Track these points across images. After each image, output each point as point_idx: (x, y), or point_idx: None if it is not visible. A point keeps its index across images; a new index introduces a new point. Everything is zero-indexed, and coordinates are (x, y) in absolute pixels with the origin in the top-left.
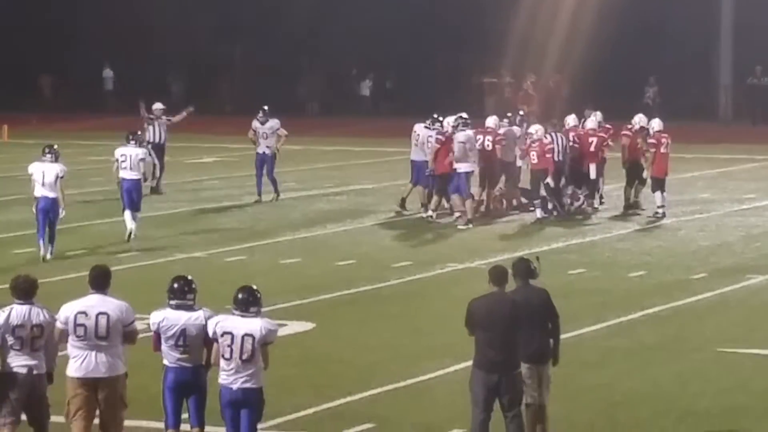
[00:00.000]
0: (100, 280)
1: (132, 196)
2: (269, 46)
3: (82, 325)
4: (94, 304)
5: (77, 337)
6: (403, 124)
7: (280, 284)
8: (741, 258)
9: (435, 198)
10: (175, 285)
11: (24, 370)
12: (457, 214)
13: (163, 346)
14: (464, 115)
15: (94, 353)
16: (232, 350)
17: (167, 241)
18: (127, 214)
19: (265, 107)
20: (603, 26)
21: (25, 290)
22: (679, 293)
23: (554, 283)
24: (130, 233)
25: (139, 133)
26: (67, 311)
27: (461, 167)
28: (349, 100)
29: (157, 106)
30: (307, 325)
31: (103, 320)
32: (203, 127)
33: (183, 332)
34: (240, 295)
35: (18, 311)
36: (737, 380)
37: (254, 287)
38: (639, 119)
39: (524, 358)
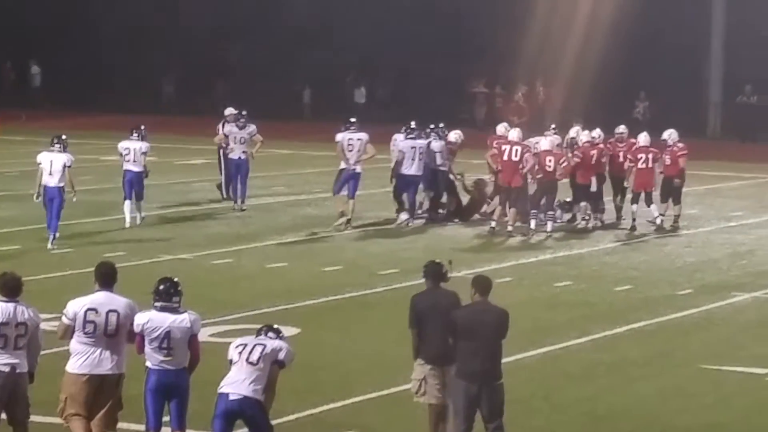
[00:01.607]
0: (108, 278)
1: (134, 187)
2: (263, 49)
3: (92, 322)
4: (103, 301)
5: (85, 333)
6: (394, 132)
7: (266, 288)
8: (727, 275)
9: (512, 211)
10: (161, 287)
11: (7, 369)
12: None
13: (147, 348)
14: (441, 124)
15: (100, 350)
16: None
17: (154, 242)
18: (127, 204)
19: (244, 111)
20: (595, 41)
21: (11, 288)
22: (664, 309)
23: (540, 295)
24: (132, 221)
25: (142, 127)
26: (75, 307)
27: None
28: (344, 106)
29: (230, 111)
30: (292, 330)
31: (113, 317)
32: (193, 128)
33: (167, 334)
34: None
35: (3, 309)
36: (720, 397)
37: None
38: (622, 130)
39: (428, 359)
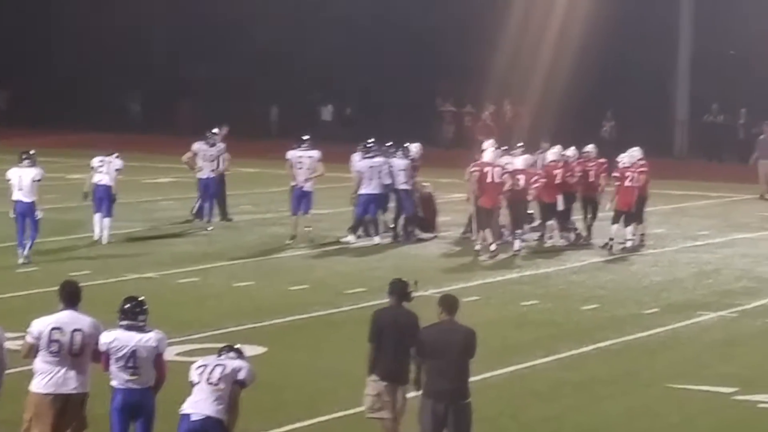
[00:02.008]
0: (73, 297)
1: (104, 202)
2: (230, 67)
3: (57, 341)
4: (68, 320)
5: (50, 352)
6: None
7: (233, 307)
8: (693, 294)
9: (488, 231)
10: (127, 306)
11: None
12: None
13: (112, 367)
14: (407, 144)
15: (65, 369)
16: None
17: (120, 260)
18: (97, 217)
19: (215, 130)
20: (563, 60)
21: None
22: (630, 328)
23: (507, 314)
24: (100, 237)
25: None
26: (40, 326)
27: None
28: (311, 124)
29: (214, 131)
30: (258, 349)
31: (78, 337)
32: (159, 147)
33: (133, 353)
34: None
35: None
36: (686, 416)
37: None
38: (589, 149)
39: (382, 375)
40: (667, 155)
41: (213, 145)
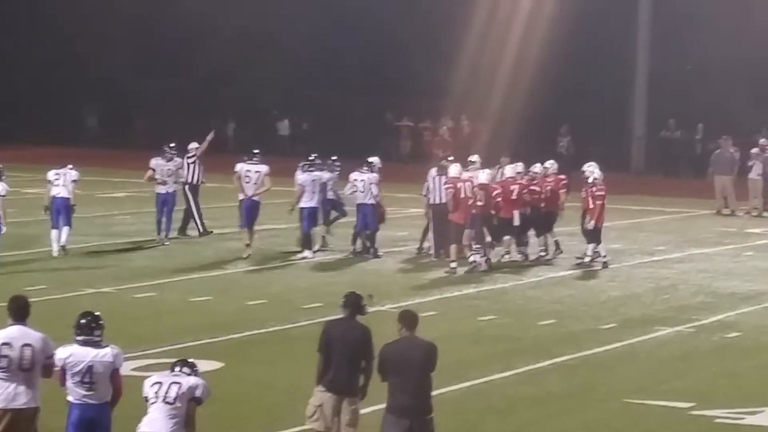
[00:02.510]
0: (22, 311)
1: (62, 214)
2: (188, 82)
3: (6, 356)
4: (17, 335)
5: (0, 368)
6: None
7: (190, 322)
8: (650, 309)
9: (454, 247)
10: (83, 321)
11: None
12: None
13: (69, 382)
14: (312, 156)
15: (14, 384)
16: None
17: (76, 275)
18: (54, 234)
19: (172, 144)
20: (521, 75)
21: None
22: (588, 343)
23: (464, 329)
24: (62, 248)
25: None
26: None
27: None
28: (268, 139)
29: (192, 145)
30: (215, 364)
31: (27, 351)
32: (115, 162)
33: (90, 369)
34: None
35: None
36: (643, 431)
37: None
38: (549, 164)
39: (330, 388)
40: (625, 171)
41: (170, 160)
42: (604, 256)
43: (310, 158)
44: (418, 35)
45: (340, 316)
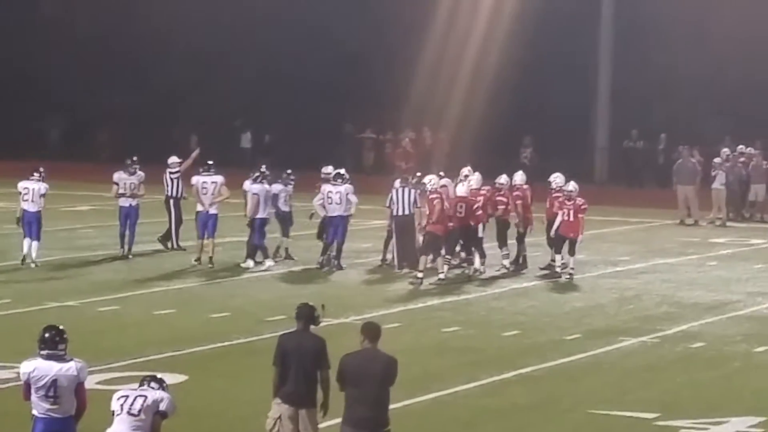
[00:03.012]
0: None
1: (32, 227)
2: (151, 95)
3: None
4: None
5: None
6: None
7: (153, 335)
8: (614, 320)
9: (440, 259)
10: (47, 335)
11: None
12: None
13: (33, 396)
14: (263, 168)
15: None
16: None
17: (40, 289)
18: (26, 242)
19: (134, 158)
20: (481, 86)
21: None
22: (552, 354)
23: (428, 341)
24: (29, 259)
25: (42, 169)
26: None
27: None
28: (231, 152)
29: (173, 159)
30: (179, 377)
31: None
32: (78, 175)
33: (54, 383)
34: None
35: None
36: None
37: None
38: (518, 176)
39: (286, 399)
40: (588, 181)
41: (133, 173)
42: (572, 269)
43: (261, 170)
44: (377, 47)
45: (294, 328)
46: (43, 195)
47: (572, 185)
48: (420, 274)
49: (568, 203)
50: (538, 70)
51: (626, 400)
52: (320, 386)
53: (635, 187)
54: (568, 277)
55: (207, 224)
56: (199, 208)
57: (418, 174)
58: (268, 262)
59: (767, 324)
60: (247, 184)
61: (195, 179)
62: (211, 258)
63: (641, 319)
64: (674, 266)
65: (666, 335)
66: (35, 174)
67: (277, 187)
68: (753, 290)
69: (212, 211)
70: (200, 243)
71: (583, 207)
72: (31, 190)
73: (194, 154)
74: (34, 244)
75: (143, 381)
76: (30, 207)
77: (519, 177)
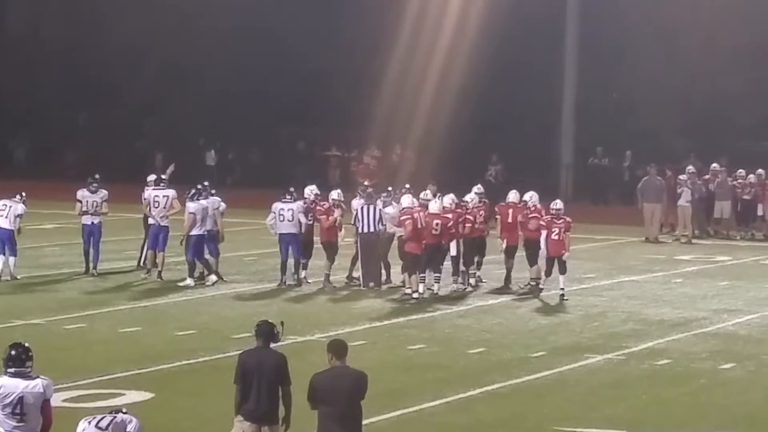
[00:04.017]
0: None
1: (7, 243)
2: (114, 112)
3: None
4: None
5: None
6: (246, 195)
7: (119, 353)
8: (579, 337)
9: (414, 278)
10: (13, 352)
11: None
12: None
13: None
14: (206, 183)
15: None
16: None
17: (5, 307)
18: (1, 259)
19: (97, 176)
20: (444, 104)
21: None
22: (517, 371)
23: (394, 358)
24: (13, 277)
25: (23, 194)
26: None
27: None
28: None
29: (151, 178)
30: (145, 395)
31: None
32: (44, 193)
33: (21, 400)
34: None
35: None
36: None
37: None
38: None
39: (247, 416)
40: (553, 198)
41: (95, 191)
42: (562, 288)
43: (199, 186)
44: (341, 65)
45: (254, 346)
46: (19, 215)
47: (559, 203)
48: (412, 292)
49: (558, 222)
50: (502, 87)
51: (592, 417)
52: (282, 402)
53: (600, 204)
54: (567, 299)
55: (158, 237)
56: (151, 221)
57: (389, 189)
58: (188, 281)
59: (733, 341)
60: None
61: (147, 193)
62: (160, 272)
63: (607, 336)
64: (640, 283)
65: (632, 352)
66: (16, 196)
67: (204, 203)
68: (719, 307)
69: (164, 223)
70: (152, 254)
71: (570, 225)
72: (8, 207)
73: (169, 170)
74: (11, 259)
75: (111, 412)
76: (3, 224)
77: (512, 195)
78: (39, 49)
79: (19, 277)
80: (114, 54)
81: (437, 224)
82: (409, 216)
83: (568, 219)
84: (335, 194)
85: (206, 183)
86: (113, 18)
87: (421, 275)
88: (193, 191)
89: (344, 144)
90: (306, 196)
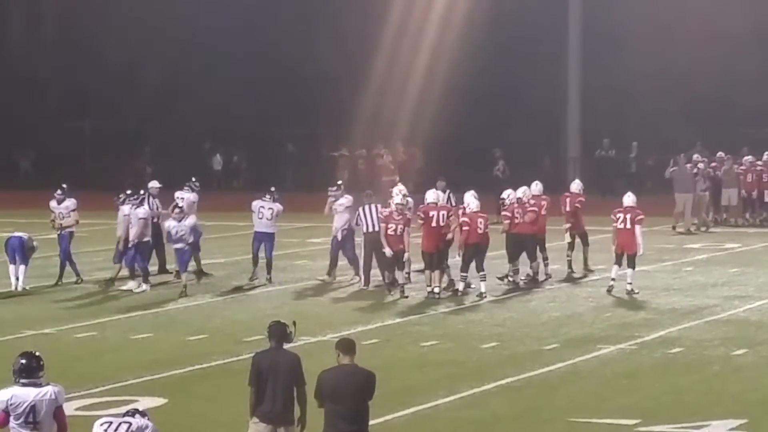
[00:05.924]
0: None
1: (17, 252)
2: (119, 120)
3: None
4: None
5: None
6: (253, 199)
7: (132, 360)
8: (592, 328)
9: (436, 274)
10: (23, 361)
11: None
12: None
13: (12, 424)
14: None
15: None
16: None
17: (16, 317)
18: (12, 268)
19: (64, 185)
20: (452, 99)
21: None
22: (531, 364)
23: (407, 355)
24: (17, 285)
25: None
26: None
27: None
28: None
29: (153, 184)
30: (158, 401)
31: None
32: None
33: (33, 408)
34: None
35: None
36: None
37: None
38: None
39: (263, 418)
40: (561, 191)
41: (61, 201)
42: (630, 283)
43: (128, 192)
44: (345, 65)
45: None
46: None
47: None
48: (437, 289)
49: (630, 213)
50: (508, 82)
51: (606, 407)
52: (297, 402)
53: (608, 196)
54: (637, 292)
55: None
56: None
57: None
58: (131, 283)
59: (745, 327)
60: (127, 209)
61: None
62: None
63: (619, 327)
64: (650, 273)
65: (644, 341)
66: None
67: (145, 210)
68: (729, 294)
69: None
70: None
71: (639, 218)
72: None
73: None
74: (21, 268)
75: (127, 413)
76: (16, 232)
77: (536, 187)
78: (41, 59)
79: (27, 288)
80: (115, 63)
81: (481, 222)
82: (423, 213)
83: (637, 211)
84: (399, 198)
85: (142, 191)
86: (113, 30)
87: (462, 274)
88: (123, 196)
89: (351, 143)
90: (398, 201)
